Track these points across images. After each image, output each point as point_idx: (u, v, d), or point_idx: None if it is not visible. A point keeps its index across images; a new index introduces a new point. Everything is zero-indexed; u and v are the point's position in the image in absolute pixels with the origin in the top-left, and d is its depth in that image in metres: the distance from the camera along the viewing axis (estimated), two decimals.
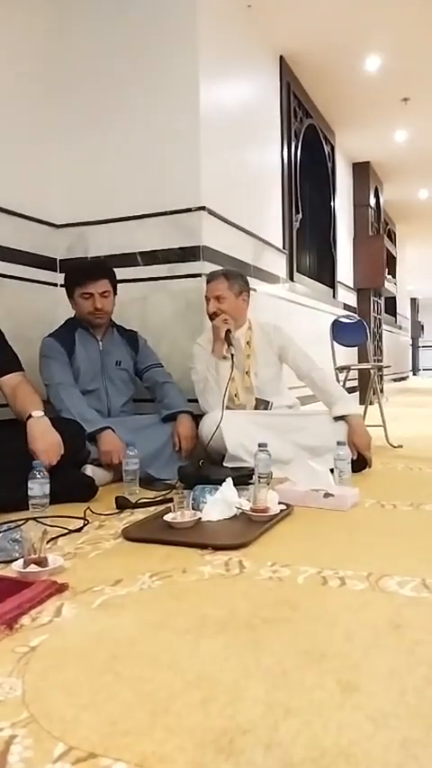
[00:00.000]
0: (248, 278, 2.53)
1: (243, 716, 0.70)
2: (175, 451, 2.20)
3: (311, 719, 0.69)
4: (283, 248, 3.82)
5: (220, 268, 2.46)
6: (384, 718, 0.69)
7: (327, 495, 1.71)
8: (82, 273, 2.29)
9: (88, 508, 1.69)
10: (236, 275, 2.36)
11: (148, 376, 2.39)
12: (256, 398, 2.32)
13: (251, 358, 2.34)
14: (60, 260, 2.84)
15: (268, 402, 2.33)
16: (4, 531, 1.36)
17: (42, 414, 1.85)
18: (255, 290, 3.13)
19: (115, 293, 2.33)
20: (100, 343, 2.33)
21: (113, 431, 2.08)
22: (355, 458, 2.09)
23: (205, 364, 2.28)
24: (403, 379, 9.46)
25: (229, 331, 2.24)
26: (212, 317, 2.29)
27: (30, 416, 1.83)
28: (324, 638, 0.90)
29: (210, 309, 2.29)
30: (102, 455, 2.04)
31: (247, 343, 2.35)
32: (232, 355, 2.22)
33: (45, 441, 1.78)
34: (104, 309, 2.25)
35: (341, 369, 3.41)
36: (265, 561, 1.24)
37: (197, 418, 2.30)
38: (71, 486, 1.82)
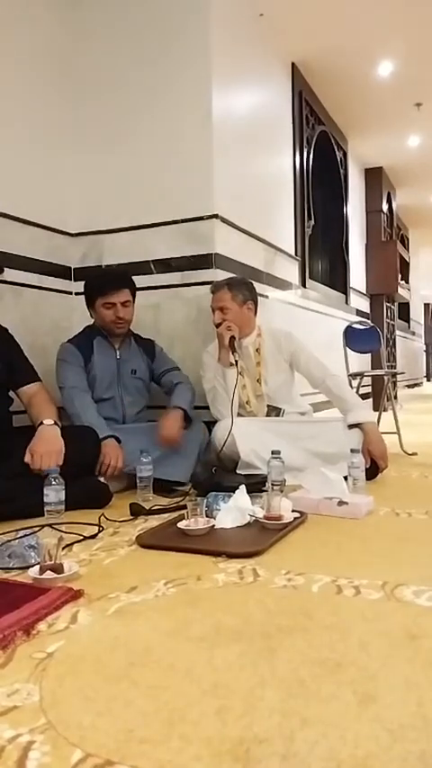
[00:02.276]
0: (261, 285, 2.54)
1: (259, 725, 0.70)
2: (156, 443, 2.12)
3: (328, 730, 0.69)
4: (296, 255, 3.82)
5: (225, 278, 2.46)
6: (402, 730, 0.68)
7: (341, 503, 1.70)
8: (105, 283, 2.29)
9: (103, 515, 1.70)
10: (239, 284, 2.35)
11: (165, 380, 2.40)
12: (268, 405, 2.32)
13: (261, 365, 2.34)
14: (75, 268, 2.87)
15: (280, 409, 2.33)
16: (21, 537, 1.38)
17: (53, 422, 1.88)
18: (267, 296, 3.14)
19: (134, 302, 2.35)
20: (117, 351, 2.35)
21: (117, 440, 2.07)
22: (368, 466, 2.08)
23: (213, 372, 2.29)
24: (417, 385, 9.37)
25: (233, 338, 2.24)
26: (218, 327, 2.30)
27: (41, 423, 1.86)
28: (340, 648, 0.89)
29: (215, 320, 2.31)
30: (100, 460, 2.04)
31: (257, 350, 2.36)
32: (236, 362, 2.22)
33: (45, 445, 1.80)
34: (126, 319, 2.27)
35: (354, 375, 3.40)
36: (280, 569, 1.24)
37: (209, 425, 2.31)
38: (86, 492, 1.84)
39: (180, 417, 2.19)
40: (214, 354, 2.32)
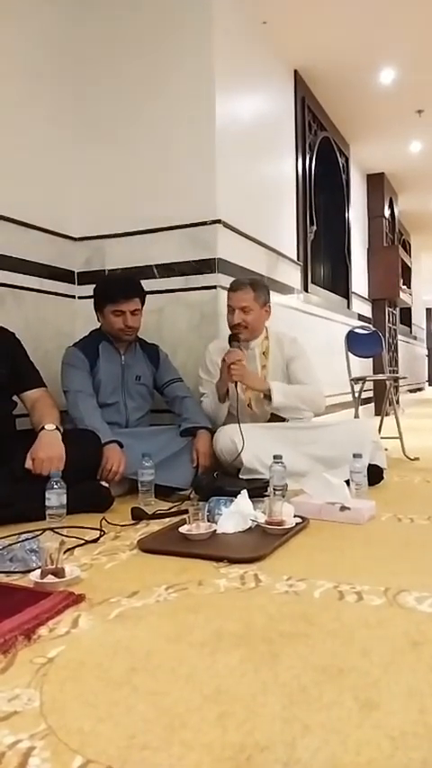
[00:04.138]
0: None
1: (261, 732, 0.69)
2: (193, 467, 2.19)
3: (330, 737, 0.68)
4: (298, 260, 3.83)
5: (245, 278, 2.45)
6: (404, 738, 0.68)
7: (343, 508, 1.70)
8: (116, 291, 2.26)
9: (104, 518, 1.70)
10: (261, 286, 2.36)
11: (168, 391, 2.40)
12: (272, 413, 2.32)
13: (266, 369, 2.34)
14: (78, 272, 2.88)
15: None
16: (22, 541, 1.38)
17: (54, 427, 1.88)
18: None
19: (142, 309, 2.35)
20: (122, 357, 2.35)
21: (119, 445, 2.07)
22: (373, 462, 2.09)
23: (209, 384, 2.29)
24: (419, 389, 9.36)
25: (233, 363, 2.15)
26: (236, 327, 2.28)
27: (42, 428, 1.86)
28: (341, 654, 0.89)
29: (234, 320, 2.27)
30: (102, 465, 2.04)
31: (264, 353, 2.36)
32: (226, 398, 2.22)
33: (46, 450, 1.80)
34: (134, 327, 2.28)
35: (357, 380, 3.39)
36: (281, 575, 1.24)
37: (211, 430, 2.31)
38: (87, 496, 1.83)
39: (210, 437, 2.24)
40: (215, 357, 2.30)
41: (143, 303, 2.32)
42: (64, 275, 2.81)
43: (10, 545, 1.35)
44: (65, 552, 1.32)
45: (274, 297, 3.29)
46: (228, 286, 2.69)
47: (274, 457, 1.86)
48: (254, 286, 2.31)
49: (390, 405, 3.31)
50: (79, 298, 2.85)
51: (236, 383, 2.17)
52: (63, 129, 2.84)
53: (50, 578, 1.16)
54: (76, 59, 2.90)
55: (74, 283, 2.87)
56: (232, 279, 2.71)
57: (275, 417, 2.32)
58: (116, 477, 2.01)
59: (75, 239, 2.87)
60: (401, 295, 6.31)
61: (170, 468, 2.13)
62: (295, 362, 2.34)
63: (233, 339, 2.24)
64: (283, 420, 2.32)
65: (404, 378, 5.61)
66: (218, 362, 2.26)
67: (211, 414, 2.30)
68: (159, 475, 2.03)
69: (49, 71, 2.77)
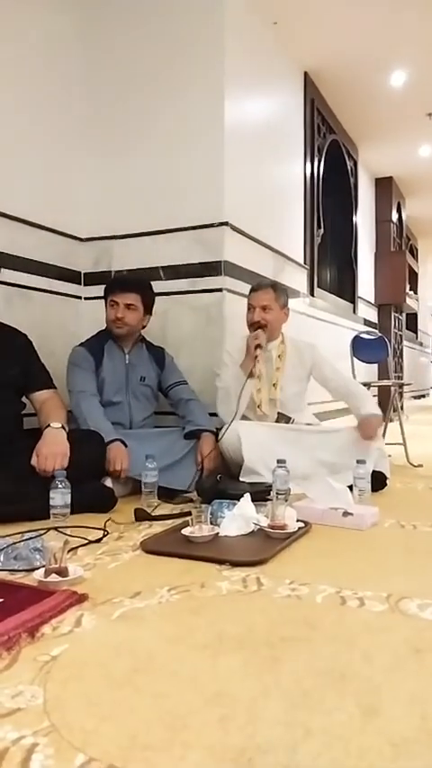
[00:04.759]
0: None
1: (262, 735, 0.70)
2: (197, 470, 2.20)
3: (331, 742, 0.68)
4: (305, 263, 3.83)
5: (266, 279, 2.53)
6: (405, 744, 0.68)
7: (346, 513, 1.70)
8: (115, 283, 2.37)
9: (110, 519, 1.71)
10: (282, 288, 2.42)
11: (173, 393, 2.41)
12: (279, 413, 2.32)
13: (280, 371, 2.35)
14: (85, 273, 2.89)
15: (290, 418, 2.33)
16: (26, 539, 1.38)
17: (60, 425, 1.89)
18: None
19: (147, 312, 2.35)
20: (127, 356, 2.36)
21: (123, 443, 2.08)
22: (377, 468, 2.11)
23: (230, 374, 2.29)
24: (424, 396, 9.33)
25: (259, 346, 2.24)
26: (254, 325, 2.30)
27: (48, 426, 1.87)
28: (343, 660, 0.89)
29: (254, 318, 2.31)
30: (106, 463, 2.05)
31: (279, 356, 2.37)
32: (251, 375, 2.22)
33: (50, 447, 1.81)
34: (124, 320, 2.27)
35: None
36: (284, 579, 1.24)
37: (217, 431, 2.31)
38: (91, 496, 1.84)
39: (214, 440, 2.25)
40: (235, 355, 2.33)
41: (145, 303, 2.32)
42: (71, 276, 2.82)
43: (14, 543, 1.36)
44: (68, 551, 1.33)
45: None
46: (233, 289, 2.70)
47: (278, 461, 1.86)
48: (275, 287, 2.38)
49: (394, 411, 3.31)
50: (86, 299, 2.86)
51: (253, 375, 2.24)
52: (72, 130, 2.85)
53: (54, 577, 1.16)
54: (87, 62, 2.91)
55: (80, 284, 2.88)
56: (238, 282, 2.72)
57: (281, 419, 2.33)
58: (121, 475, 2.02)
59: (82, 240, 2.88)
60: (408, 300, 6.29)
61: (174, 472, 2.14)
62: (324, 368, 2.41)
63: (258, 327, 2.28)
64: (289, 421, 2.32)
65: (409, 384, 5.60)
66: (239, 348, 2.32)
67: (224, 402, 2.29)
68: (163, 478, 2.04)
69: (62, 75, 2.79)
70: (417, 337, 8.71)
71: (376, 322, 5.99)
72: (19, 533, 1.48)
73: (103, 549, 1.47)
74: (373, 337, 3.73)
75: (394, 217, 6.23)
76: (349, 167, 5.00)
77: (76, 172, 2.87)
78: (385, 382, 3.83)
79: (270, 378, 2.33)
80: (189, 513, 1.58)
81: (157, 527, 1.68)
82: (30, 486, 1.75)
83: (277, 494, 1.83)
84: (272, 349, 2.36)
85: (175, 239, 2.73)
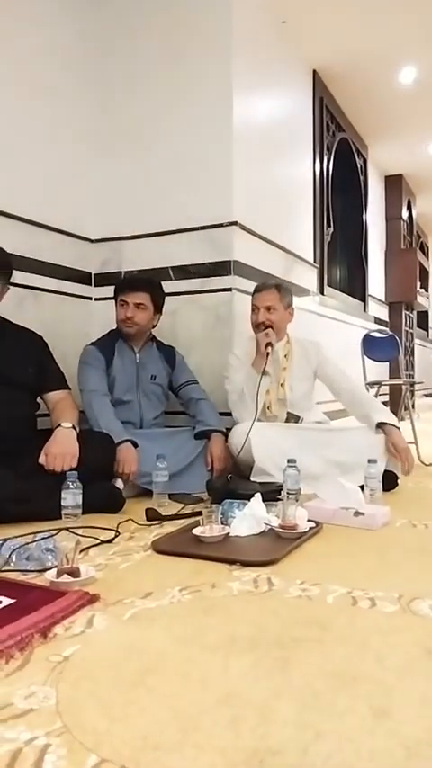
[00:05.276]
0: None
1: (273, 737, 0.70)
2: (207, 471, 2.20)
3: (343, 744, 0.68)
4: (314, 262, 3.82)
5: (270, 280, 2.51)
6: (417, 747, 0.68)
7: (357, 513, 1.69)
8: (125, 282, 2.38)
9: (131, 519, 1.73)
10: (286, 289, 2.42)
11: (183, 393, 2.42)
12: (288, 412, 2.32)
13: (287, 371, 2.35)
14: (95, 274, 2.91)
15: (299, 417, 2.32)
16: (38, 540, 1.39)
17: (71, 426, 1.90)
18: None
19: (158, 311, 2.36)
20: (137, 355, 2.37)
21: (133, 444, 2.09)
22: (388, 469, 2.09)
23: (241, 375, 2.29)
24: None
25: (270, 344, 2.25)
26: (259, 326, 2.30)
27: (59, 425, 1.88)
28: (355, 661, 0.89)
29: (259, 319, 2.31)
30: (116, 464, 2.05)
31: (285, 356, 2.37)
32: (265, 372, 2.23)
33: (59, 447, 1.82)
34: (134, 320, 2.28)
35: (372, 384, 3.37)
36: (295, 579, 1.24)
37: (228, 431, 2.31)
38: (100, 496, 1.85)
39: (224, 441, 2.26)
40: (243, 357, 2.33)
41: (155, 302, 2.33)
42: (81, 277, 2.83)
43: (27, 544, 1.37)
44: (80, 552, 1.34)
45: None
46: (243, 288, 2.69)
47: (288, 461, 1.86)
48: (279, 287, 2.36)
49: (405, 409, 3.29)
50: (96, 299, 2.87)
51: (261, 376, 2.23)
52: (82, 132, 2.87)
53: (66, 578, 1.17)
54: (95, 62, 2.92)
55: (91, 285, 2.89)
56: (248, 281, 2.71)
57: (291, 418, 2.32)
58: (131, 477, 2.03)
59: (92, 241, 2.89)
60: (419, 298, 6.25)
61: (185, 479, 2.14)
62: (327, 367, 2.39)
63: (264, 328, 2.28)
64: (299, 422, 2.32)
65: (421, 382, 5.56)
66: (246, 350, 2.33)
67: (237, 405, 2.29)
68: (175, 484, 2.05)
69: (71, 76, 2.80)
70: (428, 335, 8.63)
71: (387, 320, 5.95)
72: (31, 534, 1.49)
73: (115, 549, 1.48)
74: (384, 336, 3.71)
75: (404, 214, 6.18)
76: (359, 165, 4.97)
77: (86, 174, 2.88)
78: (396, 381, 3.81)
79: (278, 378, 2.33)
80: (200, 513, 1.59)
81: (169, 527, 1.69)
82: (41, 485, 1.76)
83: (288, 493, 1.83)
84: (278, 349, 2.35)
85: (185, 239, 2.74)
